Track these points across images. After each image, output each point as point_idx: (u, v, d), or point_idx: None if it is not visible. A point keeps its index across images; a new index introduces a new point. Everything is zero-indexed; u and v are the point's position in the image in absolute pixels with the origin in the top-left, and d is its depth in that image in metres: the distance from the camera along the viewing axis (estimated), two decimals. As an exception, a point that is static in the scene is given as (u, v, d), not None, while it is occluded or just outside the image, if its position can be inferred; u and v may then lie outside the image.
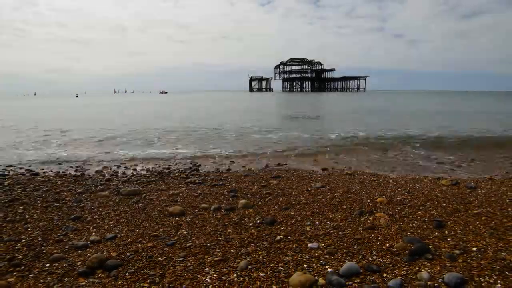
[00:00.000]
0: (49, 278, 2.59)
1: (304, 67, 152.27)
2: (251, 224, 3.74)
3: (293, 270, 2.64)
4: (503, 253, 2.83)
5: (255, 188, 5.37)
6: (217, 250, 3.07)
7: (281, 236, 3.34)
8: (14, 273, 2.67)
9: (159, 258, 2.90)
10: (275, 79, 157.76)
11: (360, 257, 2.85)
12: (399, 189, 5.08)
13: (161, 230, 3.59)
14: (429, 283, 2.40)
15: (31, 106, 42.42)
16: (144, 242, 3.26)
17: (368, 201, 4.47)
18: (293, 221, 3.77)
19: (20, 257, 2.96)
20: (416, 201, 4.40)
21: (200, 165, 7.68)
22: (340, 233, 3.39)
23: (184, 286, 2.45)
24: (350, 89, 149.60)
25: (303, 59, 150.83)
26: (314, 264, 2.74)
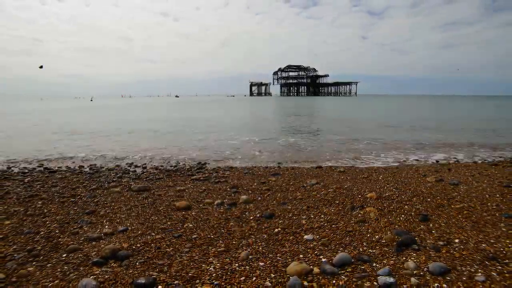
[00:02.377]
0: (65, 267, 2.60)
1: (300, 73, 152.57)
2: (251, 218, 3.74)
3: (290, 260, 2.65)
4: (483, 245, 2.83)
5: (255, 184, 5.37)
6: (220, 241, 3.08)
7: (279, 229, 3.35)
8: (34, 263, 2.68)
9: (167, 249, 2.90)
10: (273, 84, 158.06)
11: (352, 248, 2.85)
12: (388, 186, 5.08)
13: (168, 223, 3.59)
14: (415, 272, 2.41)
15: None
16: (153, 234, 3.27)
17: (359, 196, 4.47)
18: (290, 215, 3.77)
19: (39, 248, 2.96)
20: (403, 197, 4.40)
21: (204, 164, 7.68)
22: (333, 226, 3.40)
23: (189, 274, 2.45)
24: (343, 94, 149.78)
25: (299, 65, 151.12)
26: (309, 255, 2.74)
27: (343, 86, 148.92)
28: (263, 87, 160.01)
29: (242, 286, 2.29)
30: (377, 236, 3.08)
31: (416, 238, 2.98)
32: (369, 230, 3.24)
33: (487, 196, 4.39)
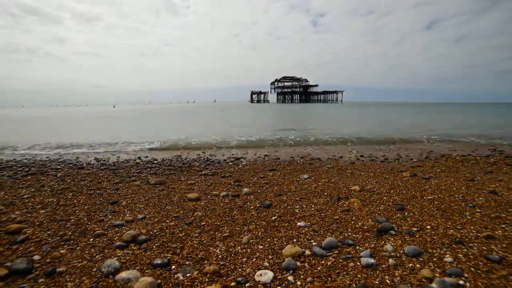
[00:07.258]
0: (92, 250, 2.60)
1: (294, 83, 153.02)
2: (252, 207, 3.74)
3: (285, 243, 2.65)
4: (451, 230, 2.84)
5: (255, 179, 5.37)
6: (225, 228, 3.07)
7: (276, 217, 3.34)
8: (65, 246, 2.68)
9: (179, 234, 2.90)
10: (271, 92, 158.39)
11: (338, 233, 2.85)
12: (369, 180, 5.07)
13: (181, 212, 3.59)
14: (392, 254, 2.41)
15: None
16: (168, 221, 3.27)
17: (345, 189, 4.46)
18: (285, 205, 3.77)
19: (70, 233, 2.96)
20: (382, 189, 4.40)
21: (212, 161, 7.68)
22: (322, 214, 3.39)
23: (199, 256, 2.45)
24: (330, 101, 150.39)
25: (293, 76, 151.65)
26: (302, 239, 2.74)
27: (331, 95, 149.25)
28: (262, 95, 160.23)
29: (244, 266, 2.29)
30: (360, 223, 3.08)
31: (393, 225, 2.98)
32: (353, 218, 3.24)
33: (454, 188, 4.38)
